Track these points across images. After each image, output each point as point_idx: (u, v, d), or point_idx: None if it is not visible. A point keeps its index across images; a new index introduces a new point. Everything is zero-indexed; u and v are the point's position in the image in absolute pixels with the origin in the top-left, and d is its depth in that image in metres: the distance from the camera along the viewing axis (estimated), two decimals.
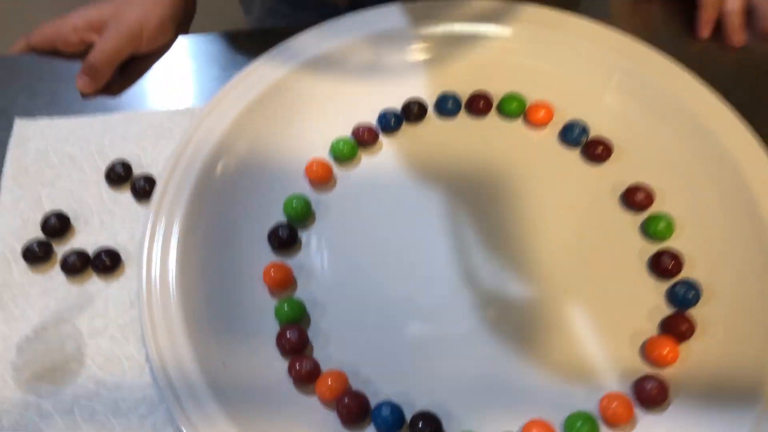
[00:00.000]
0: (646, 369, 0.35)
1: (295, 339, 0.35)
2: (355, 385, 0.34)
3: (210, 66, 0.47)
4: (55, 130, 0.44)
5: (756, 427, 0.31)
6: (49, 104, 0.45)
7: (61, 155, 0.43)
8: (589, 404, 0.34)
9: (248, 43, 0.48)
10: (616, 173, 0.41)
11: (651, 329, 0.36)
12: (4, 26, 0.86)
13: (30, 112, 0.45)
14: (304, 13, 0.61)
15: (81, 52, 0.46)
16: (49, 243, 0.39)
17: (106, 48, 0.44)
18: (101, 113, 0.45)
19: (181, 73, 0.47)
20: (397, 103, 0.43)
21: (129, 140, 0.44)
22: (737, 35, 0.47)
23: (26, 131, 0.44)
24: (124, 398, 0.35)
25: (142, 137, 0.44)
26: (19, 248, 0.39)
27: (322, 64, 0.43)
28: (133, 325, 0.37)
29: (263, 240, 0.38)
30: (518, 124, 0.43)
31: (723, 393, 0.33)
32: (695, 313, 0.35)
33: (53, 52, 0.47)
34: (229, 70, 0.46)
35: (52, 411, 0.35)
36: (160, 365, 0.33)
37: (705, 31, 0.48)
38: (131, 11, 0.46)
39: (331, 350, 0.35)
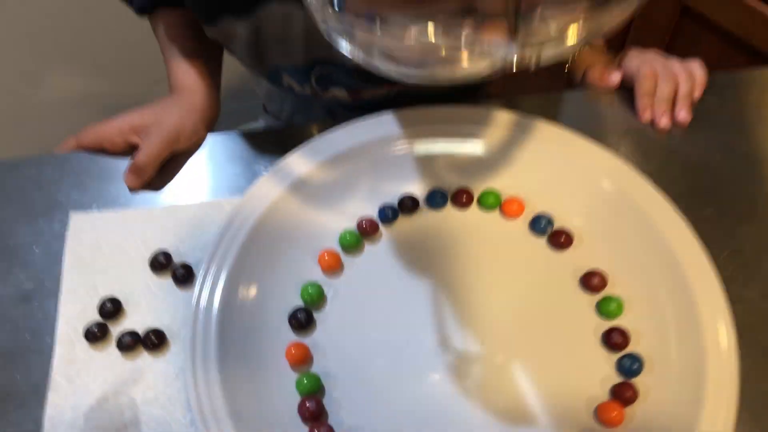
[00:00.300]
0: (598, 428, 0.43)
1: (313, 408, 0.42)
2: None
3: (233, 163, 0.55)
4: (105, 222, 0.52)
5: None
6: (98, 197, 0.53)
7: (111, 245, 0.51)
8: None
9: (266, 141, 0.56)
10: (576, 259, 0.49)
11: (603, 395, 0.44)
12: (52, 128, 0.96)
13: (82, 205, 0.53)
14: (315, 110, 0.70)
15: (124, 151, 0.55)
16: (106, 324, 0.47)
17: (151, 151, 0.52)
18: (143, 206, 0.53)
19: (208, 169, 0.55)
20: (393, 199, 0.51)
21: (168, 231, 0.51)
22: (663, 120, 0.56)
23: (81, 224, 0.52)
24: None
25: (178, 228, 0.52)
26: (81, 330, 0.47)
27: (332, 166, 0.51)
28: (178, 395, 0.45)
29: (285, 321, 0.46)
30: (495, 215, 0.51)
31: None
32: (638, 381, 0.43)
33: (100, 150, 0.55)
34: (251, 166, 0.54)
35: None
36: (204, 428, 0.41)
37: (644, 116, 0.56)
38: (170, 117, 0.54)
39: (343, 416, 0.43)
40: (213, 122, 0.58)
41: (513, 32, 0.33)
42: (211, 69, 0.61)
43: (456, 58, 0.32)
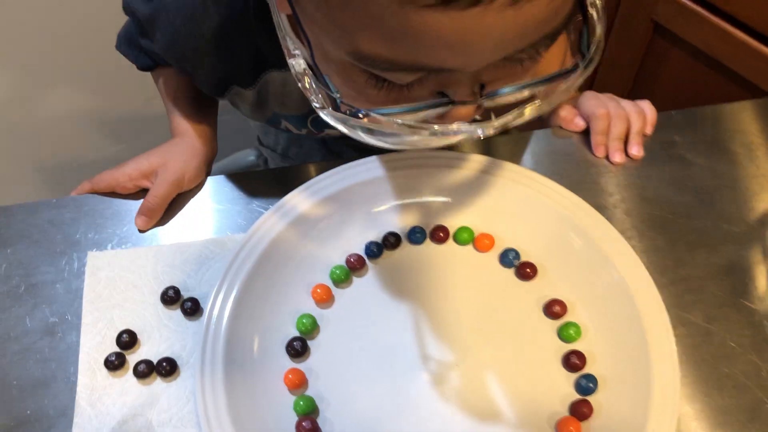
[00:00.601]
0: None
1: (309, 427, 0.48)
2: None
3: (233, 203, 0.61)
4: (119, 260, 0.58)
5: None
6: (112, 236, 0.59)
7: (125, 282, 0.57)
8: None
9: (261, 182, 0.62)
10: (540, 289, 0.55)
11: (563, 411, 0.50)
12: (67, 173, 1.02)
13: (98, 244, 0.58)
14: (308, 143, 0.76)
15: (134, 193, 0.61)
16: (123, 354, 0.53)
17: (159, 193, 0.58)
18: (153, 244, 0.59)
19: (211, 209, 0.61)
20: (378, 236, 0.57)
21: (176, 267, 0.57)
22: (617, 156, 0.62)
23: (97, 262, 0.57)
24: None
25: (185, 264, 0.57)
26: (100, 359, 0.53)
27: (324, 206, 0.56)
28: (189, 416, 0.50)
29: (282, 349, 0.52)
30: (469, 249, 0.57)
31: None
32: (593, 399, 0.49)
33: (111, 193, 0.61)
34: (250, 205, 0.60)
35: None
36: None
37: (598, 153, 0.62)
38: (175, 161, 0.60)
39: None
40: (212, 161, 0.64)
41: (480, 112, 0.39)
42: (209, 113, 0.67)
43: (431, 137, 0.38)
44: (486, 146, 0.64)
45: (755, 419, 0.49)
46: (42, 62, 1.09)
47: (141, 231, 0.59)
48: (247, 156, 0.98)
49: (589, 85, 1.14)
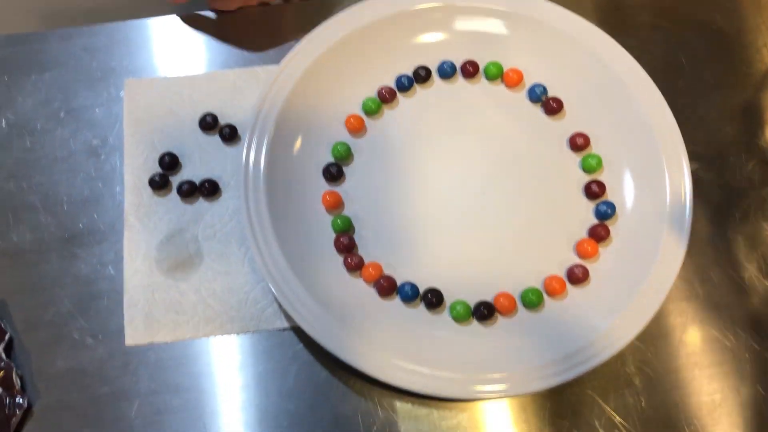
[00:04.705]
0: (576, 260, 0.53)
1: (346, 242, 0.52)
2: (387, 271, 0.52)
3: (262, 35, 0.61)
4: (155, 87, 0.59)
5: (646, 292, 0.50)
6: (147, 66, 0.60)
7: (163, 108, 0.58)
8: (537, 282, 0.52)
9: (294, 14, 0.63)
10: (565, 123, 0.57)
11: (581, 233, 0.54)
12: None
13: (133, 72, 0.60)
14: None
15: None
16: (166, 175, 0.55)
17: None
18: (186, 74, 0.60)
19: (241, 40, 0.61)
20: (409, 69, 0.58)
21: (212, 96, 0.59)
22: None
23: (135, 89, 0.59)
24: (233, 281, 0.53)
25: (221, 93, 0.59)
26: (145, 179, 0.55)
27: (354, 38, 0.57)
28: (233, 232, 0.54)
29: (320, 173, 0.55)
30: (498, 84, 0.59)
31: (625, 274, 0.51)
32: (610, 223, 0.53)
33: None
34: (280, 37, 0.61)
35: (186, 290, 0.52)
36: (261, 259, 0.50)
37: None
38: None
39: (370, 249, 0.53)
40: None
41: None
42: None
43: None
44: None
45: (758, 246, 0.53)
46: None
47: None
48: None
49: None
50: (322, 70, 0.57)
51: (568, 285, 0.52)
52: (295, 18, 0.62)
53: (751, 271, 0.53)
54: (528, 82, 0.58)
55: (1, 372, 0.49)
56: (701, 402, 0.50)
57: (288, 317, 0.52)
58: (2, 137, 0.57)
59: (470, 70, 0.58)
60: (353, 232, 0.53)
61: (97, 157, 0.56)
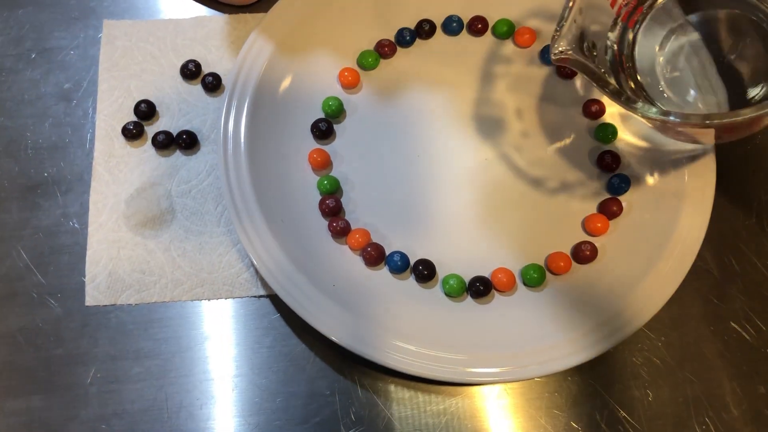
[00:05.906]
0: (584, 236, 0.48)
1: (332, 205, 0.47)
2: (375, 238, 0.47)
3: None
4: (137, 30, 0.54)
5: (660, 273, 0.45)
6: (129, 8, 0.55)
7: (143, 53, 0.54)
8: (540, 259, 0.47)
9: None
10: (579, 88, 0.52)
11: (591, 208, 0.49)
12: None
13: (114, 14, 0.55)
14: None
15: None
16: (141, 124, 0.51)
17: None
18: (171, 17, 0.55)
19: None
20: (411, 23, 0.54)
21: (196, 42, 0.54)
22: None
23: (114, 31, 0.54)
24: (206, 241, 0.48)
25: (206, 39, 0.54)
26: (117, 127, 0.51)
27: None
28: (209, 189, 0.50)
29: (307, 130, 0.50)
30: (508, 43, 0.54)
31: (638, 253, 0.47)
32: (624, 199, 0.48)
33: None
34: None
35: (154, 249, 0.48)
36: (238, 219, 0.46)
37: None
38: None
39: (358, 214, 0.48)
40: None
41: None
42: None
43: None
44: None
45: None
46: None
47: None
48: None
49: None
50: (317, 18, 0.52)
51: (574, 263, 0.47)
52: None
53: None
54: (541, 43, 0.53)
55: None
56: (716, 399, 0.45)
57: (264, 284, 0.47)
58: None
59: (478, 26, 0.53)
60: (341, 194, 0.49)
61: (68, 101, 0.52)
